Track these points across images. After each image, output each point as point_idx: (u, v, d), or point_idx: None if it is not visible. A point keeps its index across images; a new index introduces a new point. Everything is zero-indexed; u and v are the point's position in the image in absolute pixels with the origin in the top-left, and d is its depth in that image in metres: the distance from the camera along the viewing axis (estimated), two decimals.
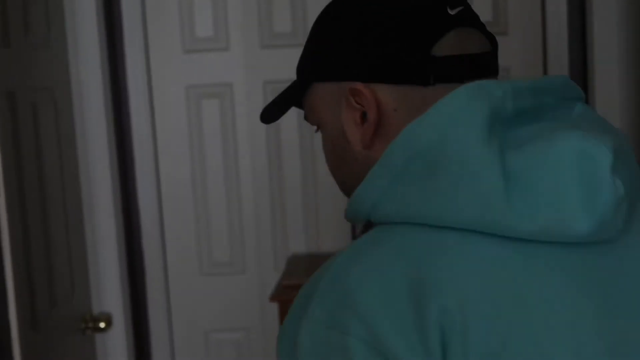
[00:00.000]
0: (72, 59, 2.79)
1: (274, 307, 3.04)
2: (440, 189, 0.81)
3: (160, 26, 3.00)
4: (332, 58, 0.92)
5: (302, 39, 2.98)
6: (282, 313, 2.61)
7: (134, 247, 3.02)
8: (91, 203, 2.81)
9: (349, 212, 0.92)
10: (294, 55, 2.98)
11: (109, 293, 2.84)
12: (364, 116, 0.91)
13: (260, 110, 3.03)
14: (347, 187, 0.99)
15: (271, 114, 1.05)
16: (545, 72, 2.97)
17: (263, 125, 3.01)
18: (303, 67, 0.98)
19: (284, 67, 2.98)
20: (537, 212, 0.79)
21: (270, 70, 2.99)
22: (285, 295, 2.60)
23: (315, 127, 1.01)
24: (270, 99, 3.01)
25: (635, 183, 0.89)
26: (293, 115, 2.99)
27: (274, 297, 2.60)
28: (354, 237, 2.87)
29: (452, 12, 0.89)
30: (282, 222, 3.03)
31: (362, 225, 1.03)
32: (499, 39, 2.96)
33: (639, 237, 0.88)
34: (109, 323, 2.72)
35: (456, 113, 0.83)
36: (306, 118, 1.01)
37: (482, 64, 0.90)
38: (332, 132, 0.96)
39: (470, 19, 0.92)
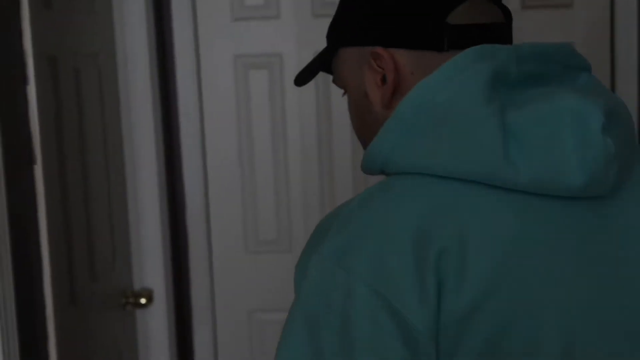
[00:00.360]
0: (117, 25, 2.70)
1: None
2: (445, 142, 0.89)
3: None
4: (355, 25, 1.01)
5: None
6: None
7: (178, 221, 2.93)
8: (134, 176, 2.72)
9: (364, 164, 0.99)
10: None
11: (150, 268, 2.75)
12: (384, 79, 1.00)
13: (310, 83, 2.91)
14: (366, 140, 1.07)
15: (304, 77, 1.15)
16: (612, 49, 2.80)
17: (313, 99, 2.89)
18: (331, 34, 1.07)
19: None
20: (533, 166, 0.87)
21: (322, 40, 2.86)
22: None
23: (342, 91, 1.24)
24: None
25: (630, 146, 0.95)
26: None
27: None
28: None
29: None
30: (331, 199, 2.91)
31: None
32: (562, 11, 2.80)
33: (629, 196, 0.95)
34: (150, 299, 2.64)
35: (461, 73, 0.91)
36: (334, 82, 1.09)
37: (494, 34, 0.97)
38: (356, 94, 1.05)
39: None
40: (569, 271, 0.88)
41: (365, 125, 1.06)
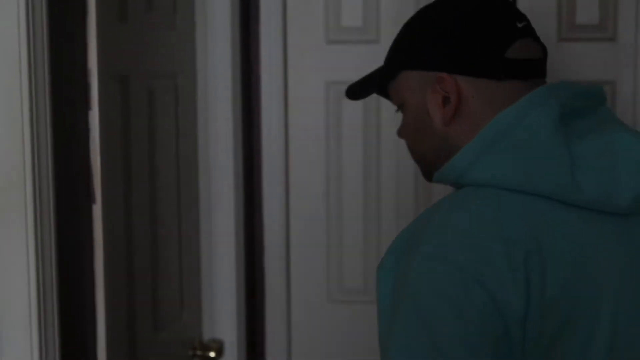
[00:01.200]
0: (199, 44, 2.44)
1: None
2: (522, 162, 1.08)
3: (302, 11, 2.60)
4: (421, 51, 1.19)
5: None
6: None
7: (255, 265, 2.64)
8: (209, 214, 2.44)
9: (439, 175, 1.18)
10: None
11: (222, 317, 2.46)
12: (444, 100, 1.17)
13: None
14: (425, 159, 1.25)
15: (356, 92, 1.38)
16: None
17: None
18: (393, 57, 1.25)
19: None
20: (594, 186, 1.07)
21: None
22: None
23: (395, 108, 1.33)
24: None
25: None
26: None
27: None
28: None
29: (519, 25, 1.17)
30: None
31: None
32: (604, 45, 2.56)
33: None
34: (220, 352, 2.37)
35: (536, 107, 1.11)
36: (388, 98, 1.28)
37: (538, 68, 1.18)
38: (415, 112, 1.22)
39: (531, 31, 1.20)
40: (620, 274, 1.08)
41: (423, 140, 1.24)
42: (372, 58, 2.57)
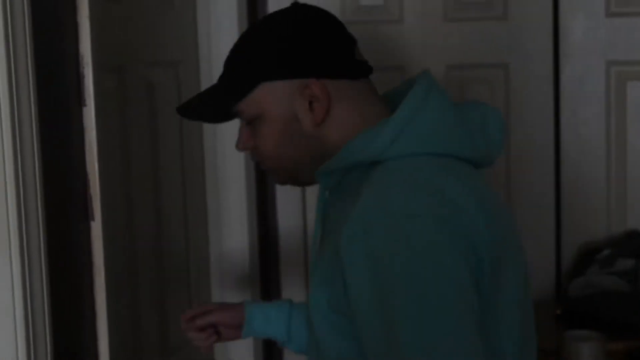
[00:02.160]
0: (202, 27, 2.17)
1: None
2: (436, 131, 1.24)
3: None
4: (286, 62, 1.26)
5: None
6: None
7: (271, 280, 2.36)
8: (219, 221, 2.16)
9: (337, 161, 1.25)
10: None
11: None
12: (310, 104, 1.26)
13: None
14: (296, 163, 1.30)
15: (200, 112, 1.38)
16: None
17: None
18: (247, 70, 1.29)
19: None
20: (482, 146, 1.27)
21: None
22: None
23: (242, 118, 1.32)
24: None
25: None
26: None
27: None
28: None
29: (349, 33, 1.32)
30: None
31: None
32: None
33: None
34: None
35: (433, 89, 1.25)
36: (238, 115, 1.31)
37: (370, 67, 1.31)
38: (280, 119, 1.28)
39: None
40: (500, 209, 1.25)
41: (290, 145, 1.28)
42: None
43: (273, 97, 1.27)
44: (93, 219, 1.36)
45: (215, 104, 1.33)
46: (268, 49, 1.28)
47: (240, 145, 1.34)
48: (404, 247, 1.09)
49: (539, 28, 2.33)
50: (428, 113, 1.22)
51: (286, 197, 2.38)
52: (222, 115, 1.34)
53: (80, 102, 1.34)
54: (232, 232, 2.24)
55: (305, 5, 1.33)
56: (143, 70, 1.79)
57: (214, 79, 2.11)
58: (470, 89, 2.37)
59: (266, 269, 2.41)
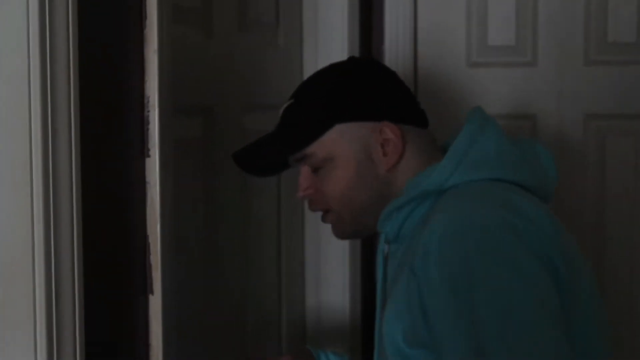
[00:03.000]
0: (309, 66, 1.93)
1: None
2: (496, 160, 1.25)
3: (435, 38, 2.06)
4: (363, 105, 1.28)
5: None
6: None
7: None
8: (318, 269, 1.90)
9: (400, 198, 1.24)
10: None
11: None
12: (382, 148, 1.27)
13: None
14: (362, 208, 1.29)
15: (258, 160, 1.34)
16: None
17: None
18: (321, 113, 1.28)
19: None
20: (539, 178, 1.27)
21: None
22: None
23: (307, 163, 1.28)
24: None
25: None
26: None
27: None
28: None
29: None
30: None
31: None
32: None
33: None
34: None
35: (488, 125, 1.27)
36: (304, 158, 1.29)
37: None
38: (353, 162, 1.27)
39: None
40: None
41: (362, 189, 1.28)
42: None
43: (346, 139, 1.27)
44: (152, 293, 1.13)
45: (283, 149, 1.30)
46: (343, 91, 1.28)
47: (301, 192, 1.31)
48: (482, 259, 1.05)
49: None
50: (485, 142, 1.23)
51: None
52: (280, 164, 1.33)
53: (143, 151, 1.12)
54: (331, 287, 2.02)
55: (366, 57, 1.46)
56: (233, 112, 1.57)
57: None
58: (612, 141, 2.07)
59: (369, 329, 2.15)
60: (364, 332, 2.14)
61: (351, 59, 1.36)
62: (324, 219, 1.33)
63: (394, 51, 2.07)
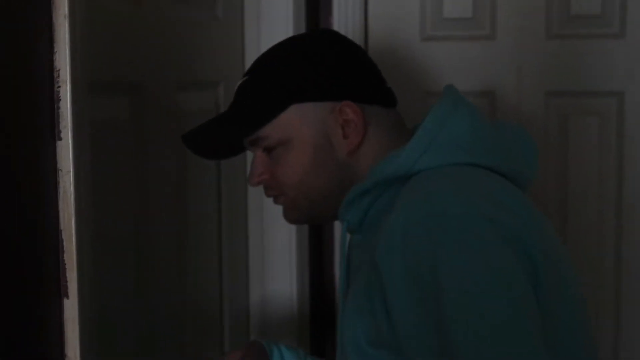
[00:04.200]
0: (250, 41, 1.79)
1: None
2: (467, 144, 1.16)
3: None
4: (321, 83, 1.18)
5: None
6: None
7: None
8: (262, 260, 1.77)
9: (362, 185, 1.14)
10: None
11: None
12: (343, 129, 1.19)
13: None
14: (320, 193, 1.20)
15: (209, 142, 1.25)
16: None
17: None
18: (277, 92, 1.19)
19: None
20: (518, 163, 1.19)
21: None
22: None
23: (261, 146, 1.19)
24: None
25: None
26: None
27: None
28: None
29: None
30: None
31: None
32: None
33: None
34: None
35: (461, 105, 1.19)
36: (260, 138, 1.20)
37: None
38: (311, 145, 1.18)
39: None
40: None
41: (321, 173, 1.19)
42: None
43: (303, 120, 1.18)
44: (67, 297, 0.98)
45: (236, 130, 1.21)
46: (300, 68, 1.19)
47: (255, 178, 1.22)
48: (451, 252, 0.95)
49: None
50: (457, 123, 1.14)
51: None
52: (235, 146, 1.24)
53: (53, 133, 0.97)
54: (277, 277, 1.90)
55: (330, 30, 1.29)
56: (165, 90, 1.42)
57: None
58: (575, 120, 1.96)
59: (318, 319, 2.04)
60: (313, 324, 2.03)
61: (313, 32, 1.32)
62: (275, 201, 1.24)
63: (343, 24, 1.95)
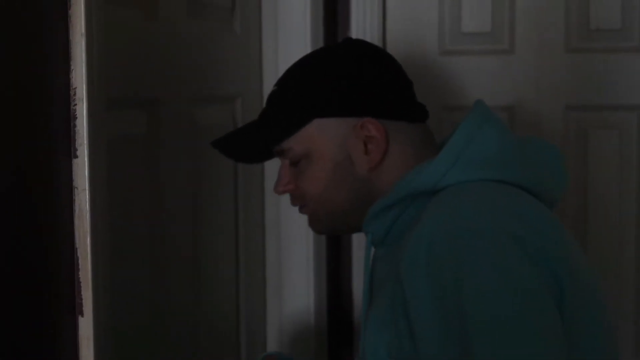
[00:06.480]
0: (267, 55, 1.79)
1: None
2: (496, 160, 1.16)
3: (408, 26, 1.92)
4: (342, 98, 1.18)
5: None
6: None
7: None
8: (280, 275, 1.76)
9: (386, 199, 1.14)
10: None
11: None
12: (365, 145, 1.18)
13: None
14: (341, 207, 1.20)
15: (239, 149, 1.27)
16: None
17: None
18: (299, 105, 1.20)
19: None
20: (544, 181, 1.17)
21: None
22: None
23: (286, 157, 1.20)
24: None
25: None
26: None
27: None
28: None
29: None
30: None
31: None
32: None
33: None
34: None
35: (489, 120, 1.18)
36: (284, 150, 1.21)
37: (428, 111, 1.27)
38: (330, 160, 1.19)
39: None
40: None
41: (340, 188, 1.19)
42: None
43: (325, 135, 1.19)
44: (82, 315, 0.97)
45: (260, 140, 1.23)
46: (324, 82, 1.19)
47: (280, 187, 1.24)
48: (475, 269, 0.95)
49: None
50: (486, 139, 1.14)
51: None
52: (264, 153, 1.25)
53: (69, 151, 0.96)
54: (294, 291, 1.89)
55: (362, 41, 1.27)
56: (184, 104, 1.42)
57: None
58: (594, 134, 1.94)
59: (335, 334, 2.03)
60: (330, 339, 2.01)
61: (345, 42, 1.25)
62: (300, 211, 1.25)
63: (361, 38, 1.94)
